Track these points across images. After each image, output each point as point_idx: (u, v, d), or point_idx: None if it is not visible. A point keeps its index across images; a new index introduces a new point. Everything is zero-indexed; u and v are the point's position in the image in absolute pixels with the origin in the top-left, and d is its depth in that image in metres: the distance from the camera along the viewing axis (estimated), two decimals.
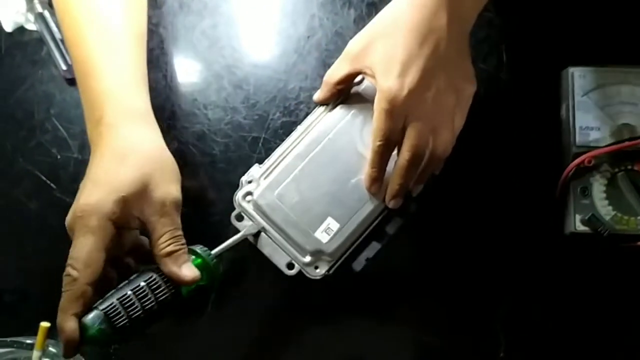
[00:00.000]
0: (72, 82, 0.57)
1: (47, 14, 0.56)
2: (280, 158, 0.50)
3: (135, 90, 0.47)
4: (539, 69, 0.56)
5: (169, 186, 0.44)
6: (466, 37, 0.47)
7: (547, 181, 0.53)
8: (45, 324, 0.49)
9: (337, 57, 0.56)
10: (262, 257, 0.51)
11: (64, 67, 0.56)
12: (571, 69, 0.53)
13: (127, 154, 0.44)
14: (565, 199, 0.52)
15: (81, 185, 0.44)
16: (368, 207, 0.48)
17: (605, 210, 0.51)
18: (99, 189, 0.43)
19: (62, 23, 0.49)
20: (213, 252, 0.47)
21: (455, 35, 0.45)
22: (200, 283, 0.45)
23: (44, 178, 0.56)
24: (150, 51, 0.57)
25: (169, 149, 0.54)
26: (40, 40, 0.57)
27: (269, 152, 0.51)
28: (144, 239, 0.46)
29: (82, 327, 0.41)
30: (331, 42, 0.57)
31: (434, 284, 0.54)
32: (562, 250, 0.53)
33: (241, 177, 0.51)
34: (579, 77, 0.53)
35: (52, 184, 0.55)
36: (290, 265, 0.50)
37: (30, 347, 0.49)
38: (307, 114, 0.53)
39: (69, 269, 0.42)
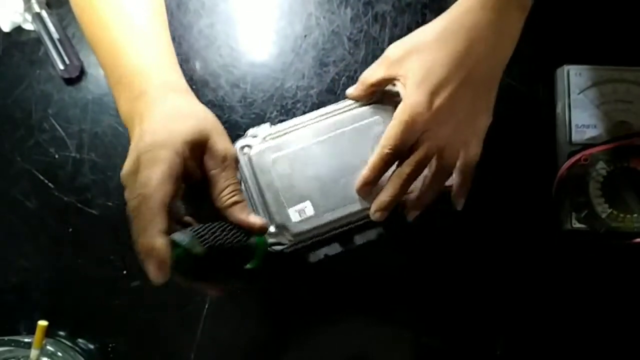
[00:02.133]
0: (69, 81, 0.57)
1: (44, 13, 0.56)
2: (293, 129, 0.50)
3: (173, 65, 0.47)
4: (535, 67, 0.56)
5: (227, 142, 0.44)
6: (504, 65, 0.46)
7: (544, 179, 0.53)
8: (43, 323, 0.49)
9: (333, 56, 0.57)
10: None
11: (61, 67, 0.56)
12: (567, 67, 0.53)
13: (182, 113, 0.43)
14: (562, 196, 0.52)
15: (133, 147, 0.42)
16: (348, 209, 0.48)
17: (601, 207, 0.51)
18: (163, 133, 0.41)
19: (82, 11, 0.48)
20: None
21: (497, 63, 0.45)
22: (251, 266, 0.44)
23: (42, 177, 0.56)
24: None
25: None
26: (38, 40, 0.57)
27: None
28: (180, 206, 0.45)
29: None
30: (328, 41, 0.57)
31: (432, 284, 0.54)
32: (558, 248, 0.54)
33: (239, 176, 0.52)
34: (574, 75, 0.53)
35: (50, 184, 0.56)
36: None
37: (29, 345, 0.49)
38: (304, 113, 0.53)
39: (138, 193, 0.39)
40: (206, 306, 0.54)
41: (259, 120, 0.56)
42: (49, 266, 0.55)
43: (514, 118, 0.55)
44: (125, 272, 0.54)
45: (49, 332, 0.50)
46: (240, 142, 0.50)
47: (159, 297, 0.54)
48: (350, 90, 0.51)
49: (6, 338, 0.50)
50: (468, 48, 0.44)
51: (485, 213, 0.54)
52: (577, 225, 0.51)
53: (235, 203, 0.43)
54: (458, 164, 0.47)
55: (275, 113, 0.56)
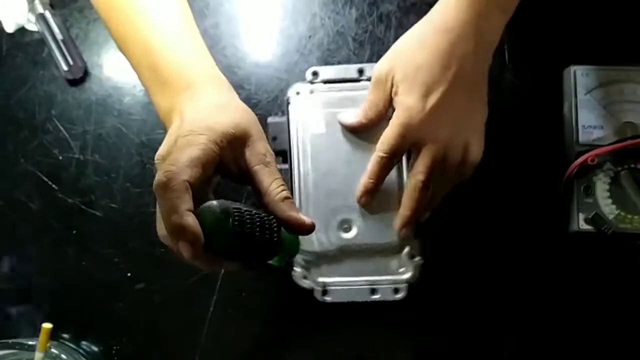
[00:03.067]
0: (73, 82, 0.57)
1: (48, 14, 0.56)
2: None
3: (211, 60, 0.47)
4: (542, 68, 0.55)
5: (266, 142, 0.43)
6: (488, 63, 0.47)
7: (551, 180, 0.53)
8: (47, 325, 0.49)
9: (338, 57, 0.57)
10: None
11: (65, 68, 0.56)
12: (574, 68, 0.53)
13: (224, 107, 0.43)
14: (569, 197, 0.52)
15: (171, 132, 0.41)
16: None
17: (608, 209, 0.51)
18: (204, 123, 0.40)
19: (108, 10, 0.47)
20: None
21: (479, 62, 0.46)
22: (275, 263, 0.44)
23: (46, 179, 0.55)
24: None
25: None
26: (42, 41, 0.57)
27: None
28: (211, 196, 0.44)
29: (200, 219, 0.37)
30: (332, 42, 0.57)
31: (438, 285, 0.54)
32: (565, 249, 0.53)
33: None
34: (581, 76, 0.53)
35: (53, 185, 0.55)
36: None
37: (33, 348, 0.49)
38: None
39: (166, 168, 0.38)
40: (210, 308, 0.53)
41: (263, 121, 0.56)
42: (52, 268, 0.55)
43: (521, 119, 0.55)
44: (129, 274, 0.54)
45: (53, 335, 0.50)
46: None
47: (163, 299, 0.54)
48: (351, 122, 0.49)
49: (10, 341, 0.50)
50: (450, 48, 0.44)
51: (492, 214, 0.54)
52: (584, 226, 0.51)
53: (286, 199, 0.42)
54: (461, 162, 0.47)
55: (279, 114, 0.56)
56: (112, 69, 0.57)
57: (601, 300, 0.53)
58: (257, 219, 0.39)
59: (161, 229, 0.39)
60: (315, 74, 0.51)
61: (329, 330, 0.54)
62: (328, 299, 0.49)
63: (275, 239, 0.41)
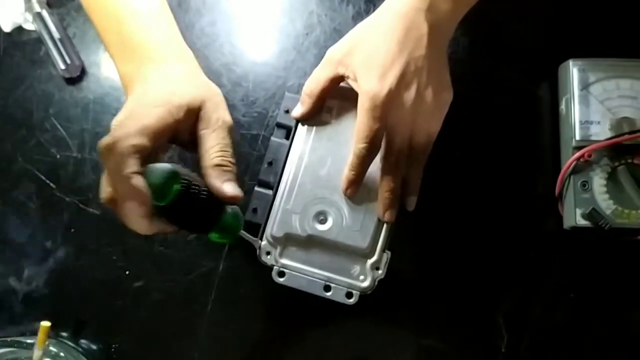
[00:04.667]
0: (71, 81, 0.57)
1: (45, 13, 0.56)
2: None
3: (180, 37, 0.48)
4: (538, 63, 0.56)
5: (224, 112, 0.45)
6: (445, 48, 0.48)
7: (547, 175, 0.53)
8: (45, 324, 0.49)
9: None
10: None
11: (62, 67, 0.56)
12: (570, 63, 0.53)
13: (184, 80, 0.45)
14: (566, 193, 0.52)
15: (129, 101, 0.43)
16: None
17: (605, 204, 0.51)
18: (162, 95, 0.42)
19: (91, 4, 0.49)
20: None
21: (434, 45, 0.47)
22: (224, 241, 0.47)
23: (44, 178, 0.55)
24: None
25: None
26: (39, 40, 0.57)
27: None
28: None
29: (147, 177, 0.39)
30: (330, 39, 0.57)
31: (435, 282, 0.54)
32: (562, 245, 0.53)
33: (241, 174, 0.52)
34: (578, 71, 0.53)
35: (51, 184, 0.55)
36: None
37: (31, 346, 0.49)
38: None
39: (114, 131, 0.39)
40: (209, 306, 0.53)
41: (260, 119, 0.56)
42: (50, 267, 0.55)
43: (517, 114, 0.55)
44: (127, 272, 0.54)
45: (52, 333, 0.50)
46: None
47: (161, 297, 0.54)
48: (298, 111, 0.51)
49: (9, 339, 0.50)
50: (404, 32, 0.46)
51: (488, 210, 0.54)
52: (581, 222, 0.51)
53: (217, 166, 0.42)
54: (427, 141, 0.49)
55: (277, 111, 0.56)
56: (110, 68, 0.57)
57: (598, 295, 0.53)
58: (204, 186, 0.41)
59: (104, 192, 0.40)
60: None
61: (330, 331, 0.54)
62: (281, 280, 0.49)
63: (216, 208, 0.42)
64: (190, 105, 0.43)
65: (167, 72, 0.45)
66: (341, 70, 0.48)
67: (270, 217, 0.50)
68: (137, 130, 0.39)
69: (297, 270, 0.49)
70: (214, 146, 0.43)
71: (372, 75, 0.46)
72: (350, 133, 0.48)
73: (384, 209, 0.49)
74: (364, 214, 0.49)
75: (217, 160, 0.42)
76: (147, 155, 0.40)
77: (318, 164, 0.50)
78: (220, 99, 0.46)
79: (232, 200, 0.42)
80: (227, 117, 0.45)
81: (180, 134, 0.43)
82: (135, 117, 0.40)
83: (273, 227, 0.49)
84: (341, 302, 0.49)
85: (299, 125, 0.52)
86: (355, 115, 0.48)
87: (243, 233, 0.46)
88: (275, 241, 0.50)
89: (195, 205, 0.40)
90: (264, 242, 0.50)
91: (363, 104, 0.46)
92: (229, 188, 0.42)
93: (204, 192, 0.41)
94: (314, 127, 0.51)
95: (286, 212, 0.49)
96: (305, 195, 0.50)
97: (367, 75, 0.46)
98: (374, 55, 0.46)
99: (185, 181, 0.39)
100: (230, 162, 0.43)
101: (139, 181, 0.38)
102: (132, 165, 0.38)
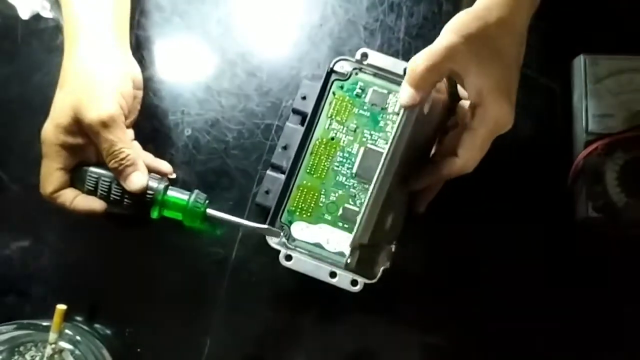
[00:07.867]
0: None
1: None
2: None
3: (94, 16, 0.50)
4: (552, 57, 0.56)
5: (98, 105, 0.46)
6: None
7: (560, 168, 0.53)
8: (61, 307, 0.50)
9: (349, 45, 0.57)
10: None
11: None
12: (584, 57, 0.53)
13: (65, 81, 0.49)
14: (578, 186, 0.52)
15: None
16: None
17: (618, 197, 0.51)
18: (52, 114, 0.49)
19: None
20: (206, 205, 0.51)
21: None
22: (178, 218, 0.51)
23: None
24: (164, 39, 0.58)
25: (183, 136, 0.55)
26: (57, 28, 0.58)
27: None
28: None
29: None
30: (344, 30, 0.57)
31: (441, 280, 0.54)
32: (574, 238, 0.53)
33: (254, 163, 0.53)
34: (591, 65, 0.53)
35: None
36: None
37: (47, 329, 0.50)
38: None
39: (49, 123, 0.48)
40: (222, 293, 0.54)
41: (274, 109, 0.56)
42: (67, 251, 0.56)
43: (531, 108, 0.55)
44: (142, 260, 0.55)
45: (67, 317, 0.50)
46: None
47: (175, 282, 0.55)
48: (407, 100, 0.42)
49: (25, 322, 0.50)
50: (520, 55, 0.44)
51: (500, 203, 0.54)
52: (593, 214, 0.51)
53: (114, 170, 0.48)
54: None
55: (291, 102, 0.56)
56: None
57: (610, 289, 0.53)
58: (107, 182, 0.49)
59: (43, 188, 0.49)
60: (364, 55, 0.51)
61: (333, 330, 0.54)
62: (288, 263, 0.49)
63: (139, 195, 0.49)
64: (62, 121, 0.48)
65: (66, 68, 0.50)
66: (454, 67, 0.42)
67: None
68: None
69: (306, 251, 0.50)
70: (103, 153, 0.48)
71: (507, 102, 0.42)
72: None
73: (425, 202, 0.51)
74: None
75: (112, 165, 0.48)
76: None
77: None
78: (102, 85, 0.48)
79: (137, 191, 0.48)
80: (102, 111, 0.46)
81: (76, 140, 0.48)
82: (59, 113, 0.49)
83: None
84: (346, 290, 0.49)
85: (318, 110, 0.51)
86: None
87: (242, 221, 0.50)
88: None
89: (109, 200, 0.49)
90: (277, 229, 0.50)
91: (489, 125, 0.43)
92: (132, 184, 0.48)
93: (106, 188, 0.49)
94: None
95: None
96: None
97: (500, 99, 0.42)
98: (508, 81, 0.43)
99: (92, 186, 0.49)
100: (119, 160, 0.47)
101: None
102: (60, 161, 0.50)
